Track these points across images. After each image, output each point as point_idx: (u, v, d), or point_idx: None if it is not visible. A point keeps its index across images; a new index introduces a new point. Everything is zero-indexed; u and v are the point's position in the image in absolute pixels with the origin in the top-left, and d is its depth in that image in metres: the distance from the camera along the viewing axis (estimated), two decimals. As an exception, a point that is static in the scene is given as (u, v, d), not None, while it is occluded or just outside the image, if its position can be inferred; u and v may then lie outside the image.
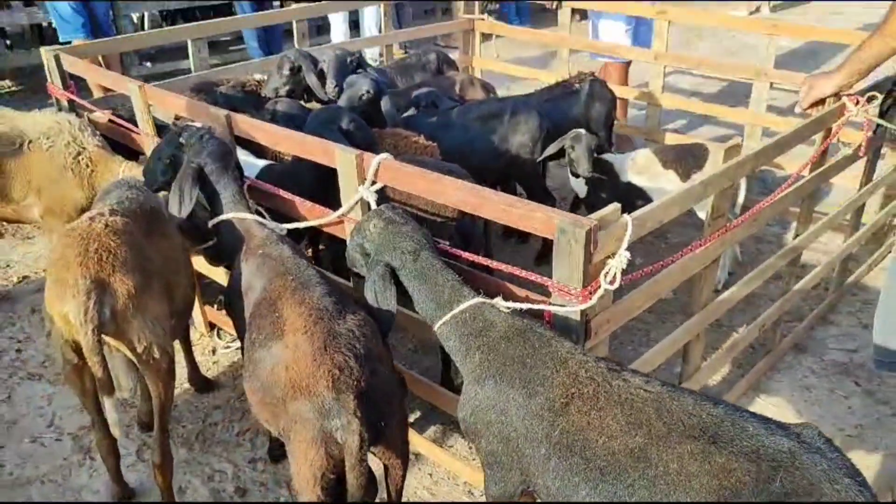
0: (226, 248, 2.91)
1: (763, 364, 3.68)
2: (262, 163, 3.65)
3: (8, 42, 8.90)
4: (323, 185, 3.25)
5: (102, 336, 2.41)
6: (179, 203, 2.82)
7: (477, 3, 6.01)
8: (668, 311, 4.19)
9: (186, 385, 3.63)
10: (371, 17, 8.51)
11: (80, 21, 6.37)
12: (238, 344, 3.95)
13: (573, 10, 5.70)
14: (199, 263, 3.47)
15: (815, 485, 1.52)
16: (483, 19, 5.90)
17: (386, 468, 2.31)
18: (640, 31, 5.48)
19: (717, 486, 1.59)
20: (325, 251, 4.16)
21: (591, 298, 2.17)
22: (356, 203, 2.72)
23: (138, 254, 2.56)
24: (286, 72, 4.28)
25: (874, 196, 4.26)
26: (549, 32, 6.06)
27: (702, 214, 4.18)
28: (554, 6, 5.66)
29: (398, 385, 2.30)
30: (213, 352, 3.97)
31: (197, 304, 3.79)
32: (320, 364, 2.09)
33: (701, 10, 5.11)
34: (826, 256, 3.95)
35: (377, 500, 2.44)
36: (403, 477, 2.35)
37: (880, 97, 3.24)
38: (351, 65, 4.12)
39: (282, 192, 3.06)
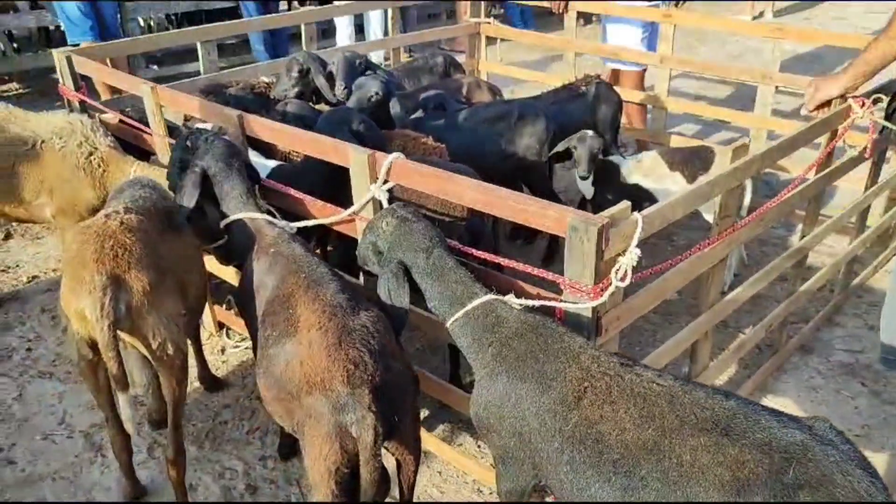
0: (237, 247, 2.94)
1: (769, 364, 3.70)
2: (272, 163, 3.67)
3: (15, 45, 8.97)
4: (332, 186, 3.28)
5: (118, 332, 2.44)
6: (181, 205, 2.87)
7: (483, 5, 6.05)
8: (675, 312, 4.22)
9: (196, 384, 3.65)
10: (376, 21, 8.55)
11: (89, 24, 6.41)
12: (247, 343, 3.99)
13: (578, 14, 5.73)
14: (210, 263, 3.50)
15: (827, 476, 1.54)
16: (489, 23, 5.94)
17: (398, 464, 2.33)
18: (654, 39, 5.45)
19: (731, 477, 1.62)
20: (334, 252, 4.19)
21: (602, 295, 2.19)
22: (368, 201, 2.74)
23: (153, 251, 2.59)
24: (295, 74, 4.32)
25: (879, 198, 4.29)
26: (555, 36, 6.09)
27: (708, 217, 4.21)
28: (559, 9, 5.67)
29: (412, 381, 2.33)
30: (223, 351, 3.99)
31: (206, 304, 3.81)
32: (335, 359, 2.11)
33: (706, 15, 5.13)
34: (831, 259, 3.98)
35: (389, 498, 2.47)
36: (415, 472, 2.37)
37: (886, 99, 3.28)
38: (360, 67, 4.16)
39: (293, 192, 3.09)
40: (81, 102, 4.16)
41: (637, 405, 1.82)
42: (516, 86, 7.42)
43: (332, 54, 4.56)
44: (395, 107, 3.99)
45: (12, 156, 3.59)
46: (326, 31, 9.10)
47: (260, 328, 2.54)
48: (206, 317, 4.02)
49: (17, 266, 4.83)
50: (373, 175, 2.70)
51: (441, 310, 2.37)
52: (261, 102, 4.28)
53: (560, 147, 3.93)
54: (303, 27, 5.28)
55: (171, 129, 3.79)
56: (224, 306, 4.08)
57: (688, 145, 4.70)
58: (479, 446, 3.31)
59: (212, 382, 3.68)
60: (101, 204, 3.59)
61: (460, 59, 5.85)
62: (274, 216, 2.94)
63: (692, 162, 4.07)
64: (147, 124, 3.80)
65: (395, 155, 2.66)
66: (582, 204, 4.75)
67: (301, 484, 3.12)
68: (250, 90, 4.44)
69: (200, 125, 3.38)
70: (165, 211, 2.90)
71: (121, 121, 4.04)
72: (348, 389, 2.07)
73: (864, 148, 3.41)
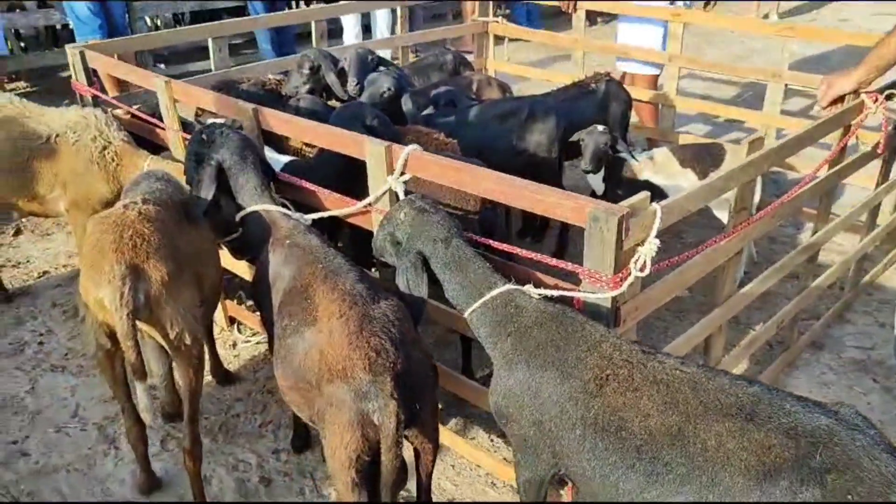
0: (252, 239, 2.95)
1: (781, 361, 3.70)
2: (284, 158, 3.69)
3: (22, 45, 8.99)
4: (344, 182, 3.29)
5: (136, 322, 2.45)
6: (198, 197, 2.88)
7: (490, 5, 6.06)
8: (685, 309, 4.22)
9: (209, 378, 3.65)
10: (383, 21, 8.56)
11: (97, 22, 6.44)
12: (258, 338, 4.00)
13: (587, 14, 5.74)
14: (222, 259, 3.51)
15: (854, 460, 1.54)
16: (497, 21, 5.95)
17: (417, 453, 2.34)
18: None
19: (756, 462, 1.62)
20: (344, 247, 4.20)
21: (621, 285, 2.20)
22: (384, 193, 2.75)
23: (171, 242, 2.60)
24: (306, 70, 4.33)
25: (890, 196, 4.29)
26: (563, 35, 6.11)
27: (719, 214, 4.22)
28: (569, 8, 5.68)
29: (431, 370, 2.33)
30: (234, 346, 4.00)
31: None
32: (356, 347, 2.12)
33: (716, 14, 5.14)
34: (841, 257, 3.98)
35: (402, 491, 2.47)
36: (433, 462, 2.38)
37: (899, 94, 3.28)
38: (372, 63, 4.17)
39: (307, 184, 3.10)
40: (94, 97, 4.17)
41: (660, 392, 1.83)
42: (522, 84, 7.44)
43: (341, 52, 4.57)
44: (407, 103, 4.00)
45: (27, 150, 3.60)
46: (333, 31, 9.11)
47: (277, 319, 2.55)
48: (218, 312, 4.02)
49: (28, 261, 4.84)
50: (389, 167, 2.70)
51: (459, 300, 2.38)
52: (272, 99, 4.29)
53: (574, 137, 3.94)
54: (313, 24, 5.30)
55: (184, 125, 3.80)
56: (235, 301, 4.08)
57: (698, 142, 4.70)
58: (491, 440, 3.32)
59: (224, 376, 3.69)
60: (114, 198, 3.60)
61: (468, 58, 5.85)
62: (288, 209, 2.95)
63: (703, 159, 4.07)
64: (157, 121, 3.83)
65: (412, 147, 2.67)
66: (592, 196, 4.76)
67: (315, 476, 3.13)
68: (261, 87, 4.45)
69: (213, 120, 3.39)
70: (181, 203, 2.91)
71: (133, 115, 4.05)
72: (370, 377, 2.08)
73: (877, 144, 3.41)
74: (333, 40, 8.40)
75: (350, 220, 3.03)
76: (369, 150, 2.73)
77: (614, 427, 1.85)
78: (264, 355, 3.91)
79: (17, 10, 7.99)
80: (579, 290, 2.28)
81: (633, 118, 5.21)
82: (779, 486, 1.58)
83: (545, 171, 4.36)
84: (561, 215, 2.27)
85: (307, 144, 3.89)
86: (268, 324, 2.70)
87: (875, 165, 3.85)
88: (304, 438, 3.24)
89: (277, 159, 3.64)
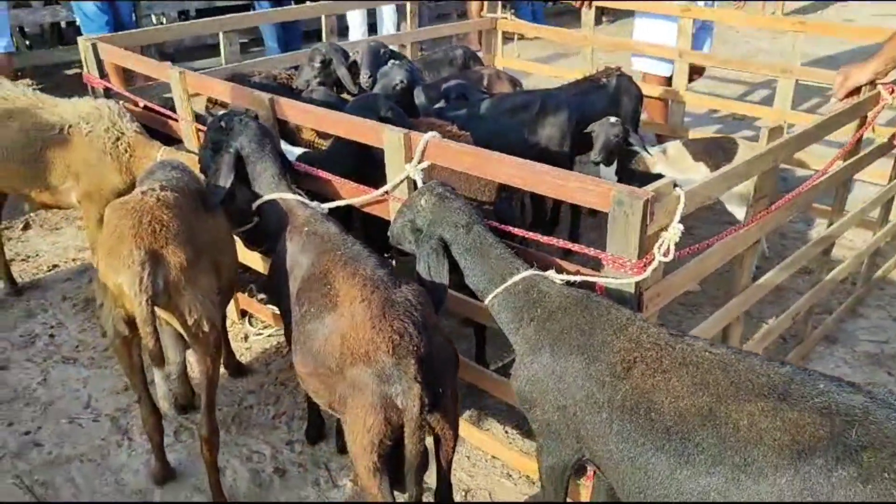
0: (268, 228, 2.94)
1: (795, 354, 3.69)
2: (298, 150, 3.68)
3: (28, 43, 8.99)
4: (358, 173, 3.28)
5: (155, 308, 2.43)
6: (216, 185, 2.87)
7: (498, 4, 6.06)
8: (698, 304, 4.22)
9: (221, 370, 3.63)
10: (389, 21, 8.58)
11: (104, 19, 6.43)
12: (269, 331, 3.99)
13: (598, 11, 5.74)
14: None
15: (890, 438, 1.53)
16: (506, 18, 5.95)
17: (437, 439, 2.31)
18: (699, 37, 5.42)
19: (790, 441, 1.61)
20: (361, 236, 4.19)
21: (645, 270, 2.19)
22: (402, 181, 2.74)
23: (189, 228, 2.59)
24: (317, 64, 4.32)
25: (902, 190, 4.28)
26: (573, 31, 6.11)
27: (731, 209, 4.22)
28: (584, 5, 5.67)
29: (453, 354, 2.32)
30: (246, 338, 3.99)
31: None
32: (379, 330, 2.11)
33: (727, 10, 5.14)
34: (852, 253, 3.97)
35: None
36: (454, 448, 2.36)
37: (917, 86, 3.27)
38: (384, 56, 4.16)
39: (322, 173, 3.09)
40: (106, 90, 4.16)
41: (690, 373, 1.82)
42: (529, 81, 7.44)
43: (349, 48, 4.57)
44: (419, 96, 3.99)
45: (39, 140, 3.59)
46: (339, 31, 9.12)
47: (294, 306, 2.54)
48: (230, 305, 4.01)
49: (37, 255, 4.83)
50: (408, 155, 2.69)
51: (481, 286, 2.37)
52: (284, 92, 4.26)
53: (587, 130, 3.93)
54: (323, 20, 5.30)
55: (196, 118, 3.79)
56: (246, 294, 4.07)
57: (710, 136, 4.70)
58: (506, 432, 3.31)
59: (236, 368, 3.67)
60: (127, 189, 3.58)
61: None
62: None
63: (716, 153, 4.07)
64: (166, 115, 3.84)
65: (430, 134, 2.66)
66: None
67: (330, 467, 3.11)
68: (272, 80, 4.44)
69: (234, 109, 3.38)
70: (198, 192, 2.90)
71: (145, 107, 4.04)
72: (394, 360, 2.06)
73: (893, 135, 3.41)
74: (339, 39, 8.42)
75: (366, 209, 3.02)
76: (387, 137, 2.72)
77: (643, 409, 1.84)
78: (276, 348, 3.90)
79: (24, 7, 8.01)
80: (602, 276, 2.27)
81: (644, 116, 5.21)
82: (814, 465, 1.57)
83: (557, 165, 4.34)
84: (584, 200, 2.27)
85: (320, 136, 3.89)
86: (284, 312, 2.69)
87: (887, 161, 3.84)
88: (318, 429, 3.22)
89: (291, 151, 3.63)
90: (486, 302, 2.36)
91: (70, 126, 3.62)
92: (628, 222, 2.12)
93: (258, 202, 2.92)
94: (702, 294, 4.30)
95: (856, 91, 3.29)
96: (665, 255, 2.21)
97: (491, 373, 3.00)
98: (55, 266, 4.69)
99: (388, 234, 2.64)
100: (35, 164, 3.62)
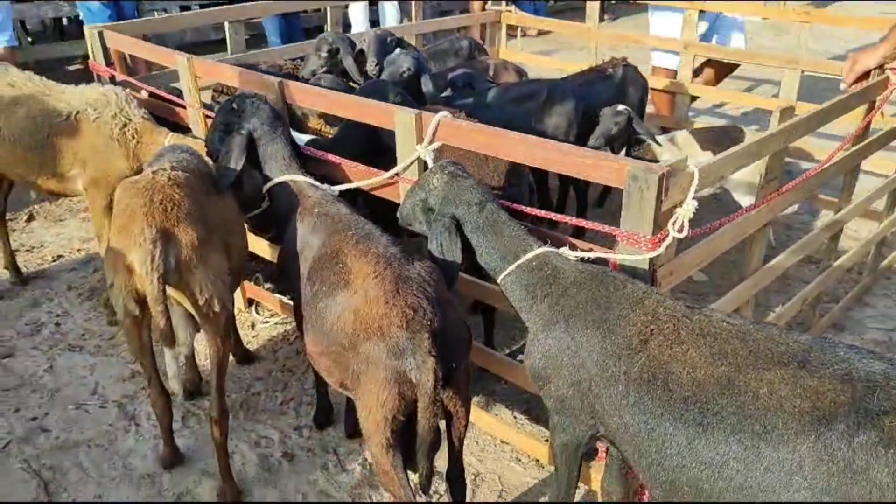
0: (279, 211, 2.93)
1: (803, 341, 3.68)
2: (305, 137, 3.67)
3: (30, 39, 8.99)
4: (366, 160, 3.27)
5: (166, 286, 2.43)
6: (227, 167, 2.86)
7: (503, 1, 6.06)
8: (704, 293, 4.21)
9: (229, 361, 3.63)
10: (392, 18, 8.59)
11: (107, 13, 6.43)
12: (276, 319, 3.98)
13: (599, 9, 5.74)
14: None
15: (912, 403, 1.53)
16: (511, 11, 5.95)
17: (449, 416, 2.30)
18: (721, 28, 5.41)
19: (811, 407, 1.60)
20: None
21: (659, 246, 2.18)
22: (413, 162, 2.74)
23: (200, 207, 2.58)
24: (324, 53, 4.33)
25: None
26: (578, 24, 6.11)
27: (737, 197, 4.22)
28: None
29: (466, 331, 2.31)
30: (253, 326, 3.98)
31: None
32: (393, 305, 2.10)
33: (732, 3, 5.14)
34: (857, 243, 3.97)
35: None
36: (466, 427, 2.35)
37: (925, 70, 3.27)
38: (390, 44, 4.17)
39: (331, 157, 3.08)
40: (112, 78, 4.16)
41: (708, 344, 1.81)
42: (533, 74, 7.44)
43: (356, 39, 4.57)
44: (426, 84, 3.98)
45: (46, 126, 3.58)
46: (342, 27, 9.13)
47: (306, 286, 2.53)
48: (237, 293, 4.00)
49: (42, 246, 4.82)
50: (419, 136, 2.69)
51: (493, 264, 2.36)
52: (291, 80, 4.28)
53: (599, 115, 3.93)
54: (328, 12, 5.30)
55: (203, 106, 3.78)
56: (253, 282, 4.06)
57: (717, 125, 4.70)
58: (514, 417, 3.30)
59: (244, 356, 3.66)
60: (134, 176, 3.58)
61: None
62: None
63: (723, 141, 4.06)
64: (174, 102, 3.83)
65: (442, 113, 2.66)
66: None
67: (338, 452, 3.10)
68: (278, 70, 4.44)
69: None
70: (208, 174, 2.89)
71: (152, 95, 4.03)
72: (408, 334, 2.06)
73: (902, 121, 3.41)
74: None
75: (375, 192, 3.01)
76: (399, 118, 2.71)
77: (660, 380, 1.83)
78: (283, 336, 3.89)
79: (26, 1, 8.00)
80: (616, 253, 2.27)
81: (650, 108, 5.22)
82: (835, 430, 1.56)
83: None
84: (599, 177, 2.26)
85: (327, 121, 3.89)
86: (295, 294, 2.68)
87: (894, 153, 3.85)
88: (326, 414, 3.21)
89: (299, 137, 3.63)
90: (499, 280, 2.36)
91: (77, 112, 3.61)
92: (643, 198, 2.11)
93: (269, 185, 2.92)
94: (708, 283, 4.30)
95: (864, 76, 3.28)
96: (679, 231, 2.20)
97: (501, 355, 2.99)
98: (60, 256, 4.68)
99: (398, 214, 2.63)
100: (42, 151, 3.61)
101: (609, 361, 1.97)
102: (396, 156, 2.82)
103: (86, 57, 5.11)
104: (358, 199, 3.36)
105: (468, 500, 2.70)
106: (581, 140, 4.42)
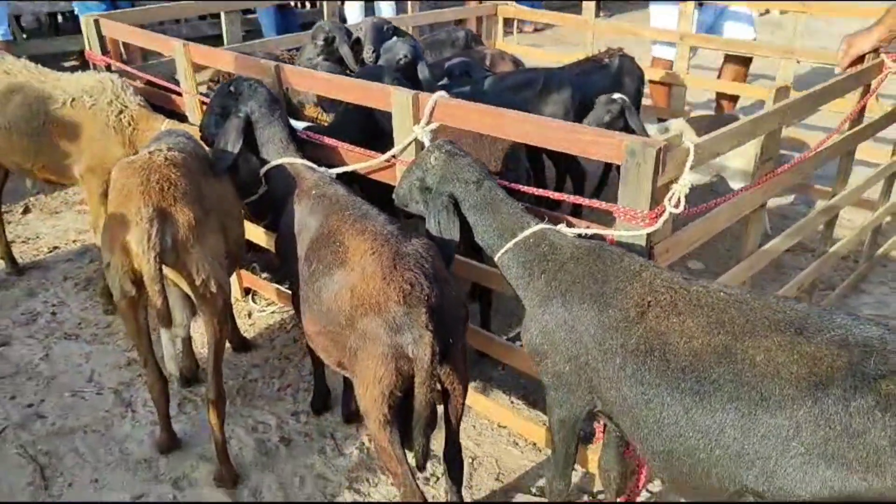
0: (276, 194, 2.93)
1: (799, 327, 3.68)
2: (301, 124, 3.67)
3: (25, 36, 8.96)
4: (364, 146, 3.27)
5: (163, 267, 2.42)
6: (224, 150, 2.85)
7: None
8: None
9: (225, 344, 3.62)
10: (389, 12, 8.59)
11: (103, 7, 6.44)
12: (273, 308, 3.97)
13: (596, 6, 5.75)
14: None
15: (909, 366, 1.53)
16: (507, 4, 5.95)
17: (447, 393, 2.30)
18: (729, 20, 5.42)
19: (807, 373, 1.60)
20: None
21: (657, 221, 2.19)
22: (410, 143, 2.74)
23: (197, 188, 2.58)
24: (321, 42, 4.33)
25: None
26: (574, 16, 6.11)
27: (734, 185, 4.22)
28: None
29: (463, 308, 2.31)
30: (249, 315, 3.97)
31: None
32: (390, 281, 2.10)
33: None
34: (852, 232, 3.98)
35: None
36: (463, 405, 2.35)
37: (920, 54, 3.28)
38: (387, 32, 4.17)
39: (329, 140, 3.08)
40: (107, 66, 4.15)
41: (705, 313, 1.81)
42: (528, 65, 7.44)
43: (352, 29, 4.57)
44: (423, 71, 3.99)
45: (42, 114, 3.57)
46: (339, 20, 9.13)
47: (303, 267, 2.53)
48: (233, 282, 4.00)
49: (38, 237, 4.81)
50: (416, 116, 2.69)
51: (491, 242, 2.36)
52: (287, 68, 4.28)
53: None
54: (325, 6, 5.31)
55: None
56: (250, 271, 4.05)
57: (713, 114, 4.71)
58: (511, 402, 3.29)
59: (241, 344, 3.66)
60: (130, 163, 3.57)
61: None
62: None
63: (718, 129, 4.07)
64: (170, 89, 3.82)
65: (439, 93, 2.66)
66: (605, 173, 4.77)
67: (336, 436, 3.10)
68: (274, 59, 4.43)
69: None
70: (204, 157, 2.89)
71: (148, 82, 4.03)
72: (405, 309, 2.06)
73: (898, 107, 3.42)
74: (338, 29, 8.44)
75: (372, 175, 3.01)
76: (395, 98, 2.71)
77: (658, 351, 1.83)
78: (280, 324, 3.89)
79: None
80: (614, 229, 2.27)
81: (647, 101, 5.22)
82: (831, 395, 1.56)
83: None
84: (597, 153, 2.26)
85: (324, 109, 3.89)
86: (293, 276, 2.67)
87: (887, 144, 3.85)
88: (323, 399, 3.21)
89: (296, 125, 3.63)
90: (497, 258, 2.36)
91: (73, 100, 3.60)
92: (640, 172, 2.12)
93: (266, 167, 2.91)
94: (704, 271, 4.30)
95: (860, 60, 3.29)
96: (676, 206, 2.21)
97: (499, 339, 2.99)
98: (55, 248, 4.67)
99: (394, 195, 2.63)
100: (38, 139, 3.60)
101: (606, 335, 1.97)
102: (393, 139, 2.82)
103: (81, 52, 5.09)
104: (354, 186, 3.36)
105: (465, 481, 2.69)
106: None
